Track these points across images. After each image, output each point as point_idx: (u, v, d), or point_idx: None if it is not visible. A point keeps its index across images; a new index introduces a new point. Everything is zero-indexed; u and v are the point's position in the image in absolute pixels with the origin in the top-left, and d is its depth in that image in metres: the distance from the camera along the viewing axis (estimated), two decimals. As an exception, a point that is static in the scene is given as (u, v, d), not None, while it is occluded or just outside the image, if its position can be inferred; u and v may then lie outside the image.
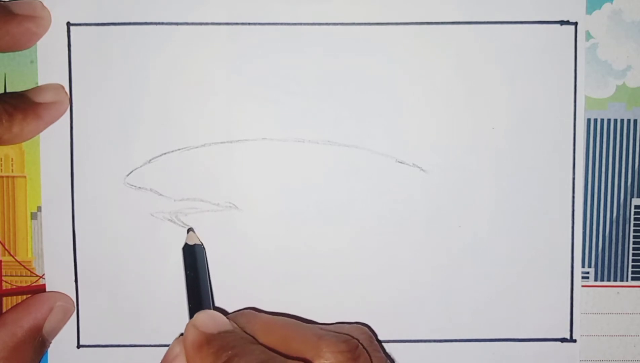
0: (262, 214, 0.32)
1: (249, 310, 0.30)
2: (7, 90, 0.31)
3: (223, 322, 0.27)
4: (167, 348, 0.32)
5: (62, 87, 0.31)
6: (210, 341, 0.25)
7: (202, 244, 0.31)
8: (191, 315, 0.28)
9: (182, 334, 0.27)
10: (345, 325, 0.28)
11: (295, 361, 0.25)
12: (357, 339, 0.26)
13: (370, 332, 0.28)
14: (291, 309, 0.32)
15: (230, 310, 0.32)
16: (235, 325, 0.27)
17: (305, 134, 0.32)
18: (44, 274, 0.32)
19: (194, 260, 0.30)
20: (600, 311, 0.32)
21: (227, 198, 0.32)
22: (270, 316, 0.28)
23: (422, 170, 0.32)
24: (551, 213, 0.32)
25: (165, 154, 0.31)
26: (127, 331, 0.32)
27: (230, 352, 0.25)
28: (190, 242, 0.30)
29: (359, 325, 0.28)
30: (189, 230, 0.31)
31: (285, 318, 0.28)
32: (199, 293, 0.29)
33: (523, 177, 0.32)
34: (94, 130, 0.31)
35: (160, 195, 0.32)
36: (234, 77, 0.31)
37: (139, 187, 0.32)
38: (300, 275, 0.32)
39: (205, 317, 0.26)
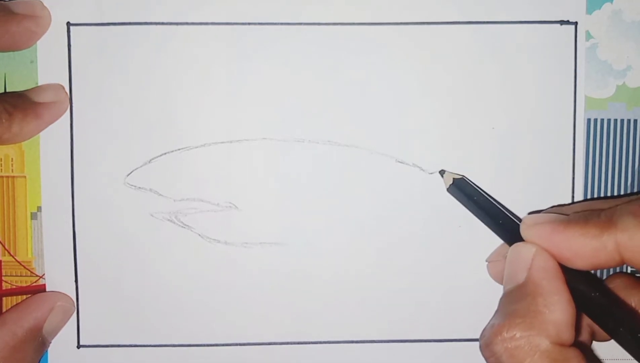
0: (262, 214, 0.32)
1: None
2: (7, 90, 0.31)
3: (555, 214, 0.26)
4: (167, 348, 0.32)
5: (62, 87, 0.31)
6: (569, 222, 0.24)
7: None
8: (506, 226, 0.27)
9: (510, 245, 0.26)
10: None
11: None
12: None
13: None
14: (290, 309, 0.32)
15: (228, 311, 0.32)
16: None
17: (305, 134, 0.32)
18: (44, 274, 0.32)
19: (471, 187, 0.29)
20: (600, 311, 0.32)
21: (227, 198, 0.32)
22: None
23: (422, 170, 0.32)
24: (551, 213, 0.32)
25: (165, 154, 0.31)
26: (127, 331, 0.32)
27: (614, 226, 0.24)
28: (457, 177, 0.30)
29: None
30: (442, 171, 0.31)
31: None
32: (497, 209, 0.28)
33: (523, 177, 0.32)
34: (94, 130, 0.31)
35: (160, 195, 0.32)
36: (234, 77, 0.31)
37: (139, 187, 0.32)
38: (299, 275, 0.32)
39: (534, 215, 0.26)
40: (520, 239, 0.26)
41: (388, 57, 0.31)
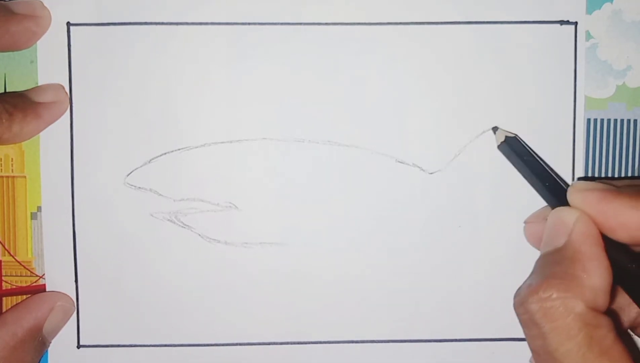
0: (262, 214, 0.32)
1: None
2: (7, 90, 0.31)
3: (604, 184, 0.26)
4: (167, 348, 0.32)
5: (62, 87, 0.31)
6: (619, 193, 0.24)
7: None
8: (553, 189, 0.27)
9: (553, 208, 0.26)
10: None
11: None
12: None
13: None
14: (290, 309, 0.32)
15: (228, 311, 0.32)
16: None
17: (305, 134, 0.32)
18: (44, 274, 0.32)
19: (522, 147, 0.29)
20: (600, 311, 0.32)
21: (227, 198, 0.32)
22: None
23: (422, 170, 0.32)
24: (551, 213, 0.32)
25: (165, 154, 0.31)
26: (127, 331, 0.32)
27: None
28: (509, 135, 0.30)
29: None
30: (495, 128, 0.30)
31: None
32: (546, 171, 0.28)
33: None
34: (94, 130, 0.31)
35: (160, 195, 0.32)
36: (234, 77, 0.31)
37: (139, 187, 0.32)
38: (299, 275, 0.32)
39: (584, 182, 0.26)
40: (565, 204, 0.26)
41: (388, 57, 0.31)
